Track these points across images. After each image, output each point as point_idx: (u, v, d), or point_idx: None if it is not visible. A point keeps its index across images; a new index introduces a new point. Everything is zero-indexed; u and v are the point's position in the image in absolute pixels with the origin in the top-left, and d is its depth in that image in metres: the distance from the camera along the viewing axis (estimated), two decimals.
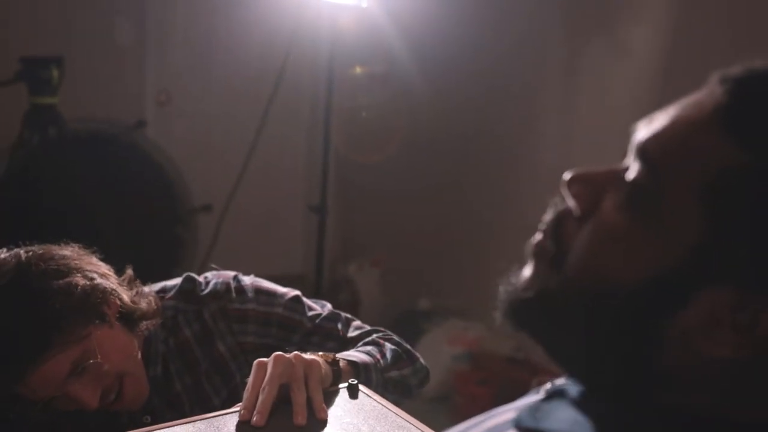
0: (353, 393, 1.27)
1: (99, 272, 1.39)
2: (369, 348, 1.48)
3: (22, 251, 1.35)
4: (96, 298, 1.35)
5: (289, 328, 1.54)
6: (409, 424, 1.19)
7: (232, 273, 1.58)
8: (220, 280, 1.55)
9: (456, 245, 4.02)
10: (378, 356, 1.45)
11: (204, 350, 1.50)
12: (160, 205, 3.98)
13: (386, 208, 4.39)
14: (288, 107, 3.95)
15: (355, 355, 1.41)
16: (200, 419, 1.20)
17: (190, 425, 1.19)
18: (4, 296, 1.28)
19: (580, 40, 3.44)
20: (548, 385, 0.72)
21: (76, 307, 1.31)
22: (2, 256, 1.34)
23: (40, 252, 1.35)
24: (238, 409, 1.21)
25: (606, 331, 0.61)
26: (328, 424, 1.19)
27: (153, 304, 1.46)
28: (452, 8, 3.70)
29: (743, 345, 0.58)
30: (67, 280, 1.32)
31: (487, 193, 3.90)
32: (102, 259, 1.47)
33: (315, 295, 3.46)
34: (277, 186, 4.32)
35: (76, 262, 1.37)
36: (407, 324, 3.83)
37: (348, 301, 4.42)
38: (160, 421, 1.43)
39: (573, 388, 0.67)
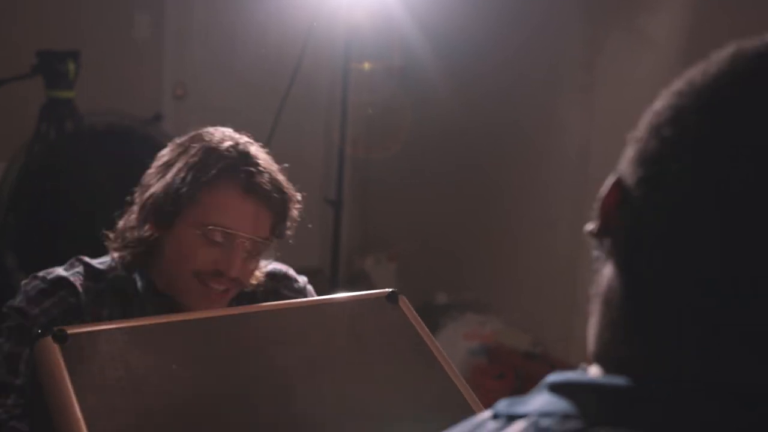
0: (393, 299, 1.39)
1: None
2: None
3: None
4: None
5: None
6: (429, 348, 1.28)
7: None
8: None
9: (473, 239, 4.00)
10: None
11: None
12: None
13: (403, 202, 4.37)
14: (304, 101, 3.94)
15: None
16: None
17: None
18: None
19: (599, 29, 3.40)
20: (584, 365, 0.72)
21: (286, 210, 1.54)
22: None
23: None
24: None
25: None
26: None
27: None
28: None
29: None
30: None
31: (504, 187, 3.87)
32: None
33: (331, 289, 3.45)
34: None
35: None
36: (423, 318, 3.80)
37: None
38: None
39: (575, 375, 0.66)
